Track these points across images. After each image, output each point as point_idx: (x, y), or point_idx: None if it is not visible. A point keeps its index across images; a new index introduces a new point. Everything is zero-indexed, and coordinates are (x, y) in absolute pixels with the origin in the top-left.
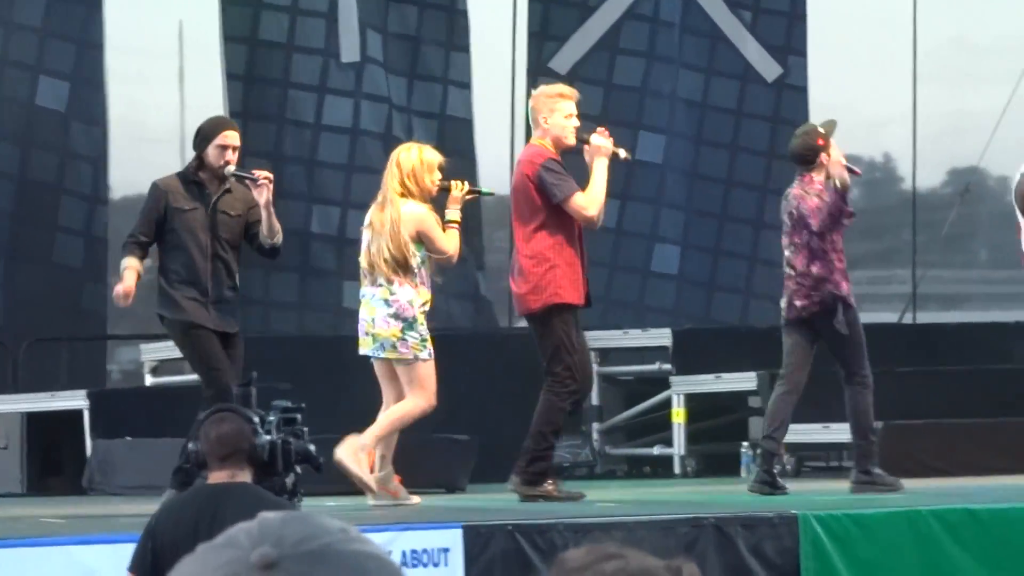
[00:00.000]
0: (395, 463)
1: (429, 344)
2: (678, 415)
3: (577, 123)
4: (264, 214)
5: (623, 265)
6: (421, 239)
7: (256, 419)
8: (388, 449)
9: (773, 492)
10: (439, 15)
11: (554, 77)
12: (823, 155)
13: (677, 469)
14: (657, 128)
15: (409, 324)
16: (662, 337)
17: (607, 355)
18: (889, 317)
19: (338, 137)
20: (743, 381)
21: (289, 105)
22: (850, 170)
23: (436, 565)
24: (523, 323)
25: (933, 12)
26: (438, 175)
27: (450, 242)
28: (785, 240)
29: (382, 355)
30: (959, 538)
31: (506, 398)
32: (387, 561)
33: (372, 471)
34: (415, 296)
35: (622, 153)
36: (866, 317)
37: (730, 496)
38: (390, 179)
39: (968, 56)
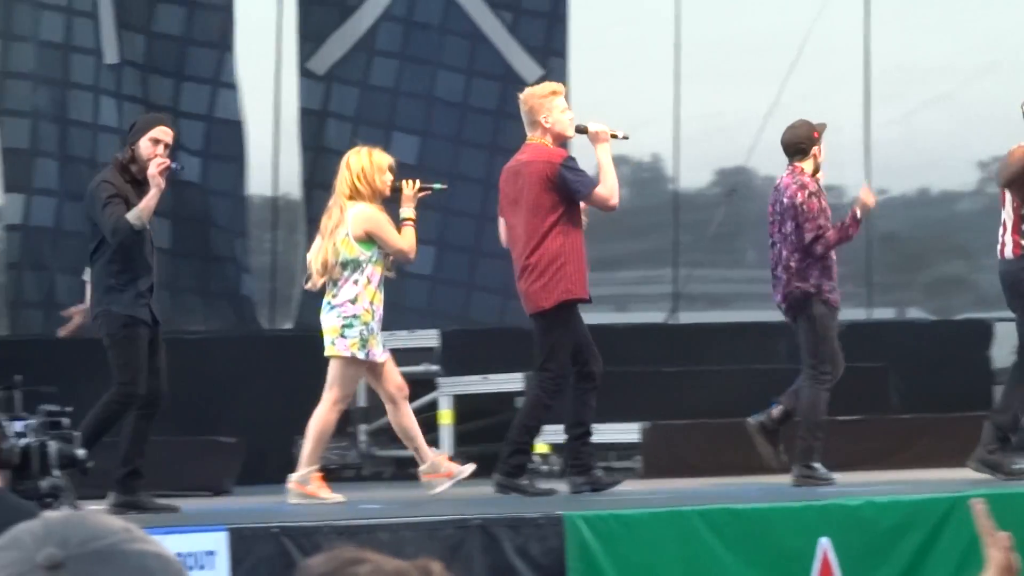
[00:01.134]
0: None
1: (374, 347)
2: (445, 416)
3: (572, 115)
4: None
5: None
6: (372, 238)
7: (6, 422)
8: (415, 442)
9: None
10: (206, 15)
11: (311, 79)
12: (814, 148)
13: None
14: (412, 129)
15: (349, 322)
16: (429, 338)
17: None
18: (655, 317)
19: (112, 137)
20: (510, 382)
21: (71, 105)
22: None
23: (202, 568)
24: (288, 324)
25: (695, 12)
26: (389, 176)
27: (405, 240)
28: (772, 231)
29: (325, 352)
30: (723, 536)
31: (272, 400)
32: (170, 560)
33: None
34: (360, 294)
35: (620, 133)
36: (632, 317)
37: (497, 497)
38: (340, 183)
39: (731, 56)
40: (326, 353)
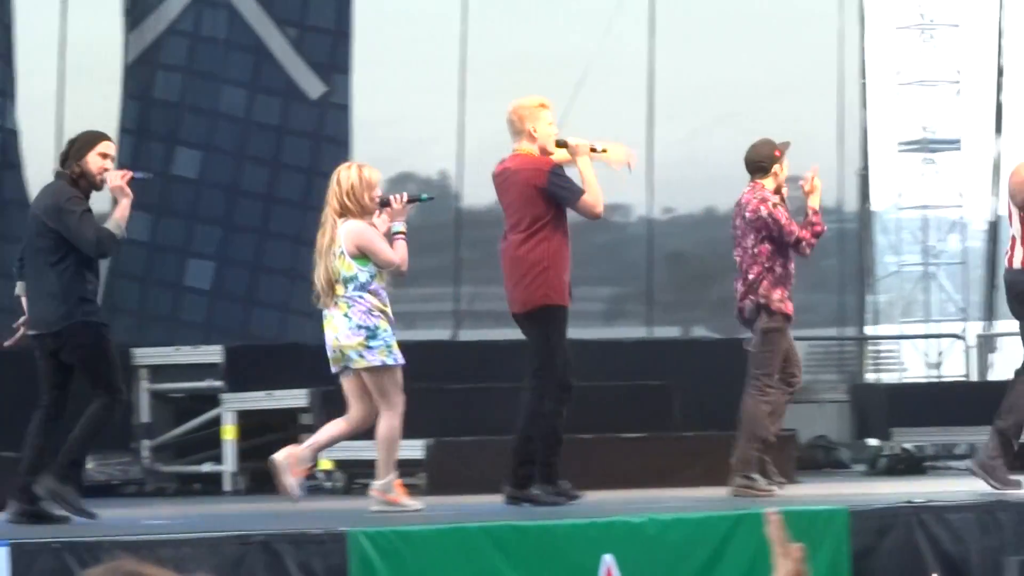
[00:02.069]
0: None
1: (396, 351)
2: (228, 432)
3: (556, 129)
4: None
5: (156, 279)
6: (364, 253)
7: None
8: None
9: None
10: None
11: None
12: (775, 166)
13: (228, 486)
14: (194, 143)
15: (372, 332)
16: (213, 354)
17: (157, 372)
18: (442, 334)
19: None
20: (294, 398)
21: None
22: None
23: None
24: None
25: (482, 31)
26: (377, 191)
27: (397, 253)
28: (735, 247)
29: (353, 365)
30: (507, 553)
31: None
32: None
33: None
34: (372, 306)
35: (600, 147)
36: (420, 334)
37: (279, 513)
38: (331, 199)
39: (517, 74)
40: (354, 367)
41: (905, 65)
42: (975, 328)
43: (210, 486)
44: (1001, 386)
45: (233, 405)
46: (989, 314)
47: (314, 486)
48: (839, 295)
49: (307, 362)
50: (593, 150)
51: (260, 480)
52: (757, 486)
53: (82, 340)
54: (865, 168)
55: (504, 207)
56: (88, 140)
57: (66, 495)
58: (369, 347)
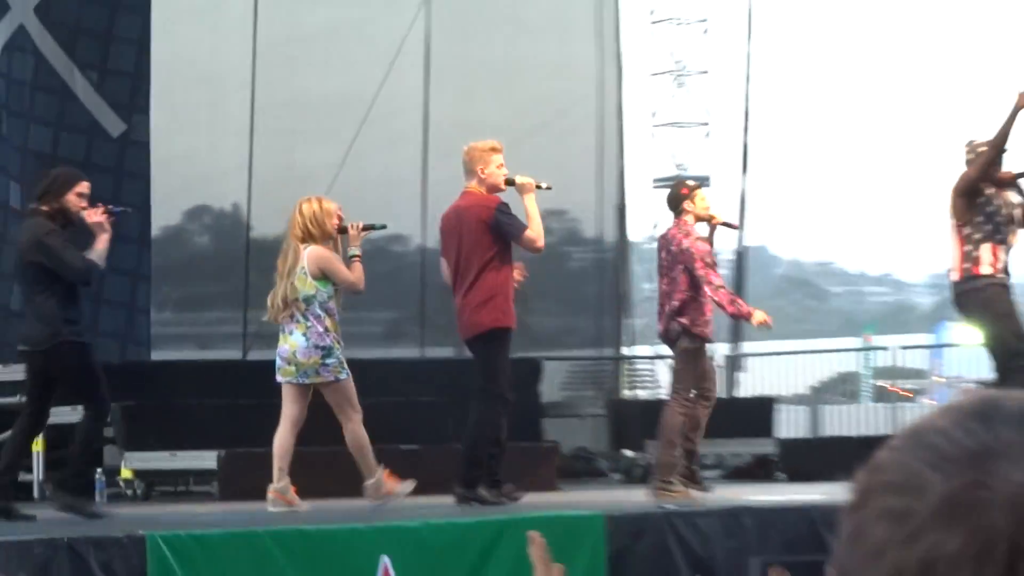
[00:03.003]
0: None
1: (345, 365)
2: (37, 444)
3: (506, 170)
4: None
5: None
6: (326, 275)
7: None
8: (285, 463)
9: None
10: None
11: None
12: (686, 203)
13: (36, 494)
14: (11, 175)
15: (327, 351)
16: (19, 372)
17: None
18: (234, 354)
19: None
20: None
21: None
22: (726, 224)
23: None
24: None
25: (268, 75)
26: (336, 219)
27: (355, 274)
28: (660, 276)
29: (306, 381)
30: (293, 555)
31: None
32: None
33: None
34: (328, 326)
35: (544, 184)
36: (214, 354)
37: (83, 519)
38: (293, 227)
39: (304, 115)
40: (309, 382)
41: (660, 108)
42: (723, 349)
43: (21, 494)
44: (747, 402)
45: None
46: (736, 336)
47: (115, 493)
48: (597, 319)
49: (112, 379)
50: (538, 186)
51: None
52: (674, 489)
53: (71, 359)
54: (623, 202)
55: (449, 249)
56: (67, 180)
57: (79, 506)
58: (325, 364)
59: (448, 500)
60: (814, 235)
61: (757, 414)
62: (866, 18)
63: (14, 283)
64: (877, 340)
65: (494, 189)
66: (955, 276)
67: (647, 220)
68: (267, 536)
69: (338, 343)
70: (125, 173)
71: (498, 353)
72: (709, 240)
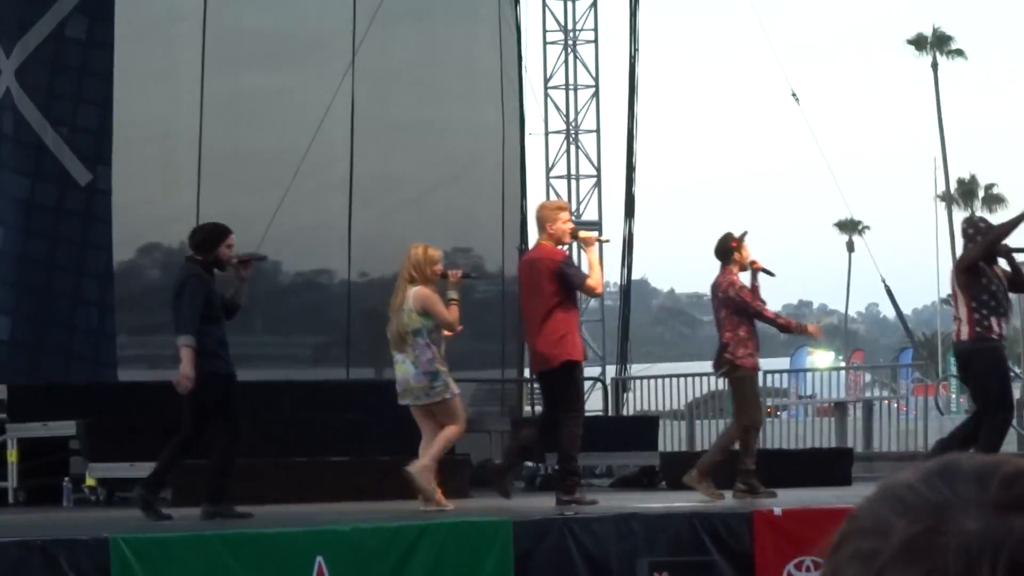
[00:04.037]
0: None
1: (452, 385)
2: (12, 455)
3: (572, 225)
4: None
5: None
6: (428, 312)
7: None
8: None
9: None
10: None
11: None
12: (736, 254)
13: (10, 499)
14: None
15: (434, 375)
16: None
17: None
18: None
19: None
20: (65, 428)
21: None
22: (765, 271)
23: None
24: None
25: (215, 130)
26: (439, 266)
27: (452, 314)
28: (714, 315)
29: (420, 403)
30: (239, 556)
31: None
32: None
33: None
34: (434, 355)
35: (604, 238)
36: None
37: (54, 522)
38: (404, 269)
39: (246, 166)
40: (423, 403)
41: (556, 161)
42: (611, 372)
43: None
44: (632, 419)
45: (15, 433)
46: (623, 361)
47: (81, 499)
48: (502, 343)
49: (78, 398)
50: (598, 240)
51: (36, 494)
52: (756, 490)
53: (209, 389)
54: (523, 244)
55: (524, 290)
56: (218, 235)
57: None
58: (432, 387)
59: (372, 507)
60: (688, 270)
61: (642, 429)
62: (730, 86)
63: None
64: None
65: (560, 242)
66: (965, 335)
67: None
68: (216, 539)
69: (444, 366)
70: (92, 217)
71: (574, 382)
72: (752, 285)
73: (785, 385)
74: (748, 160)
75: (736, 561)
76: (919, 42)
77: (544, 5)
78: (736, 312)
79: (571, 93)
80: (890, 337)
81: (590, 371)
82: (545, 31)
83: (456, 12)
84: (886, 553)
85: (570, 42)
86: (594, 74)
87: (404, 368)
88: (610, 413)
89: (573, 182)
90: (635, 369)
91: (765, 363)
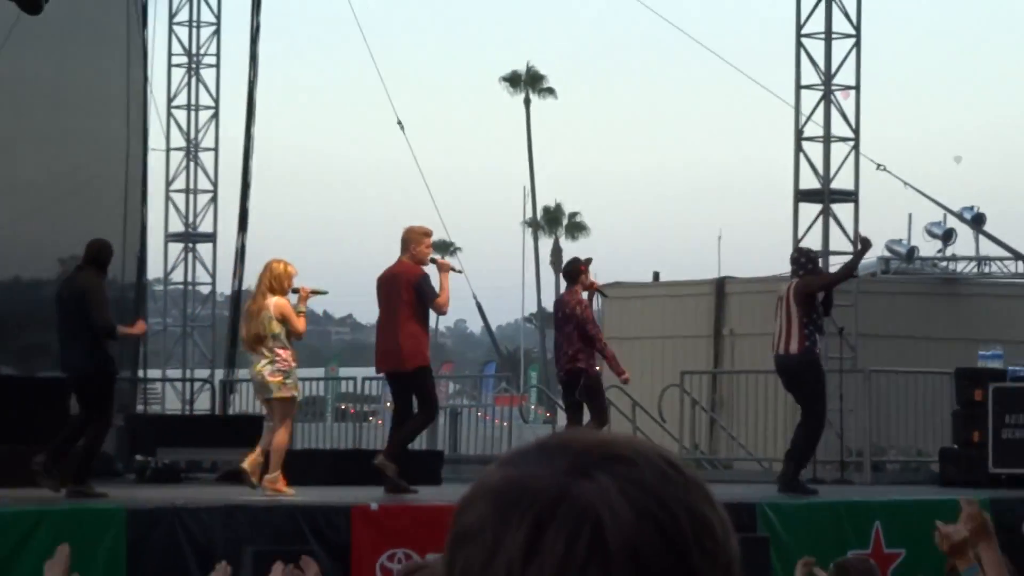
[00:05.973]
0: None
1: (297, 389)
2: None
3: (431, 250)
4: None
5: None
6: (285, 319)
7: None
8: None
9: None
10: None
11: None
12: (582, 276)
13: None
14: None
15: (287, 373)
16: None
17: None
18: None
19: None
20: None
21: None
22: (600, 291)
23: None
24: None
25: None
26: (293, 280)
27: (300, 323)
28: (557, 331)
29: (271, 396)
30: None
31: None
32: None
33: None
34: (288, 356)
35: (456, 266)
36: None
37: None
38: (264, 278)
39: None
40: (273, 396)
41: (176, 176)
42: (220, 375)
43: None
44: (238, 418)
45: None
46: (231, 364)
47: None
48: (120, 347)
49: None
50: (452, 269)
51: None
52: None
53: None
54: (143, 251)
55: (382, 300)
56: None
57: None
58: (285, 383)
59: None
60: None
61: (246, 427)
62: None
63: None
64: (342, 371)
65: (421, 262)
66: (795, 349)
67: (160, 267)
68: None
69: (294, 370)
70: None
71: (428, 383)
72: (590, 301)
73: (377, 392)
74: (353, 182)
75: (334, 553)
76: (514, 79)
77: (171, 29)
78: (577, 327)
79: (193, 113)
80: (476, 351)
81: (200, 373)
82: (171, 54)
83: (87, 31)
84: (488, 519)
85: (193, 65)
86: (215, 96)
87: (260, 367)
88: (218, 412)
89: (191, 196)
90: (242, 373)
91: (362, 371)
